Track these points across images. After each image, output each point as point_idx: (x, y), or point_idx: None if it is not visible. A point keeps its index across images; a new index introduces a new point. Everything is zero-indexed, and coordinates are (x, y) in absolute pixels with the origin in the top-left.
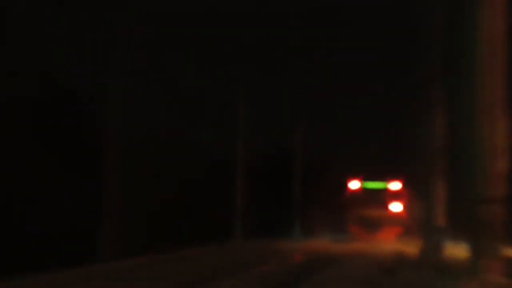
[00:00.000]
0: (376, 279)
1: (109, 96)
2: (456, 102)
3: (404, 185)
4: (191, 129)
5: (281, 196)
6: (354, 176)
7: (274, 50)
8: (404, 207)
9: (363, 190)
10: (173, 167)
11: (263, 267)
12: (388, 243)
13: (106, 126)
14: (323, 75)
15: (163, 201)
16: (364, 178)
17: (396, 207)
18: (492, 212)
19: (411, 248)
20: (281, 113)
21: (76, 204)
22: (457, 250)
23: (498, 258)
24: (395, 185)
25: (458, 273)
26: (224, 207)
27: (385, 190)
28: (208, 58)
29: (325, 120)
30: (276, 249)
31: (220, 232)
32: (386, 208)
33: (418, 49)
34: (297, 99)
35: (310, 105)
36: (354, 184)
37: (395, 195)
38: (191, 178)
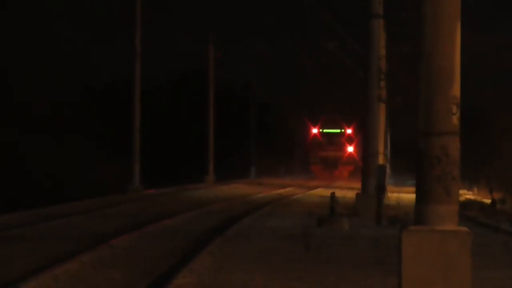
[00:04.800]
0: (304, 233)
1: None
2: None
3: (356, 130)
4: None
5: (189, 132)
6: (314, 123)
7: None
8: (356, 149)
9: (321, 135)
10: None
11: (169, 220)
12: (343, 181)
13: None
14: None
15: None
16: (322, 124)
17: (349, 149)
18: (443, 147)
19: (351, 192)
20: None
21: None
22: (402, 193)
23: (451, 203)
24: (348, 130)
25: (403, 221)
26: (119, 148)
27: (340, 134)
28: None
29: (241, 40)
30: (187, 198)
31: (117, 179)
32: (341, 150)
33: None
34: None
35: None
36: (314, 130)
37: (349, 139)
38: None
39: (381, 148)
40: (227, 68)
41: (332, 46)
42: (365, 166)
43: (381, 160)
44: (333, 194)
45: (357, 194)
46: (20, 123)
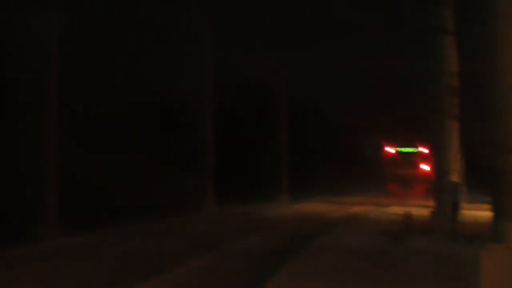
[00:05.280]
0: (379, 250)
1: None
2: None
3: (430, 148)
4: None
5: (262, 148)
6: (389, 142)
7: None
8: (431, 167)
9: (397, 154)
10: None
11: (246, 240)
12: (415, 199)
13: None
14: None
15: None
16: (398, 144)
17: (424, 167)
18: None
19: (425, 209)
20: (258, 45)
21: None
22: (477, 211)
23: None
24: (423, 150)
25: (479, 239)
26: (188, 165)
27: (416, 153)
28: None
29: (313, 58)
30: (262, 217)
31: (185, 197)
32: (417, 168)
33: None
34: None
35: (295, 37)
36: (390, 149)
37: (424, 158)
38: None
39: (454, 165)
40: (294, 84)
41: (400, 60)
42: (438, 184)
43: (455, 177)
44: (408, 212)
45: (432, 212)
46: (82, 137)
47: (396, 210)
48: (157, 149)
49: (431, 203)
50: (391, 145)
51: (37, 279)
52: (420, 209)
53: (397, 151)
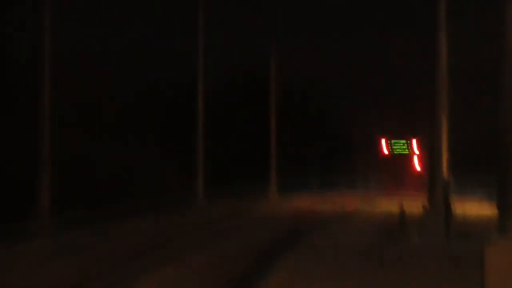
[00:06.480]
0: (378, 247)
1: None
2: None
3: (420, 144)
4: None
5: (249, 137)
6: (383, 136)
7: None
8: (422, 165)
9: (391, 154)
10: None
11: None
12: (408, 196)
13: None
14: None
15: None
16: (390, 140)
17: (415, 165)
18: None
19: (418, 204)
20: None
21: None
22: (466, 205)
23: None
24: (414, 146)
25: (471, 234)
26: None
27: (408, 148)
28: None
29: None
30: (250, 214)
31: (168, 190)
32: (408, 165)
33: None
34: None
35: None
36: (383, 149)
37: (415, 154)
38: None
39: (445, 161)
40: (287, 70)
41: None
42: (430, 180)
43: (445, 171)
44: (402, 208)
45: (424, 208)
46: (86, 125)
47: (389, 206)
48: (152, 134)
49: (422, 198)
50: (385, 138)
51: None
52: (413, 204)
53: (390, 151)
